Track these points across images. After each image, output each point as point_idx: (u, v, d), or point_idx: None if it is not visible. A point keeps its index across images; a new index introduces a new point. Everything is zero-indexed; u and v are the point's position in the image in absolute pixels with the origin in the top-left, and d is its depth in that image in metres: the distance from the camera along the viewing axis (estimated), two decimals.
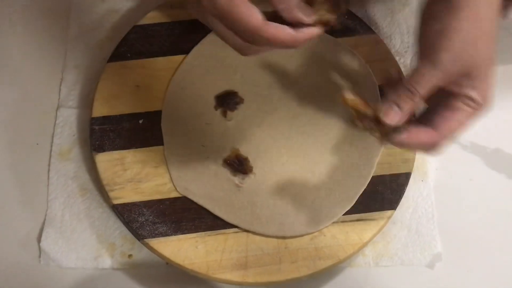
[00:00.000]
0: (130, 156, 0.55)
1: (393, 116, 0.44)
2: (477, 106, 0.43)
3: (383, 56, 0.59)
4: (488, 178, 0.58)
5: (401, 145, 0.45)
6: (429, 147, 0.44)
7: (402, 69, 0.59)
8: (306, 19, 0.41)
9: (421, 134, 0.44)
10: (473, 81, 0.43)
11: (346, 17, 0.61)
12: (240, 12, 0.39)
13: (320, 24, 0.42)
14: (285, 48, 0.41)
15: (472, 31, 0.43)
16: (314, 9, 0.41)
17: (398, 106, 0.44)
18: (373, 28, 0.61)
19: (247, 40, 0.41)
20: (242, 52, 0.44)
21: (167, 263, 0.53)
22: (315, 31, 0.42)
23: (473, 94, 0.43)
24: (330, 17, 0.42)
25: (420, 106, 0.45)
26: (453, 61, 0.43)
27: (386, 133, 0.45)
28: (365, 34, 0.60)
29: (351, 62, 0.58)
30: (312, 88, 0.58)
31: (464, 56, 0.43)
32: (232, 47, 0.43)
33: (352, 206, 0.53)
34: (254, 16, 0.39)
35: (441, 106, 0.44)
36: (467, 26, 0.42)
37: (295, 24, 0.41)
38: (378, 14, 0.63)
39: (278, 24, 0.40)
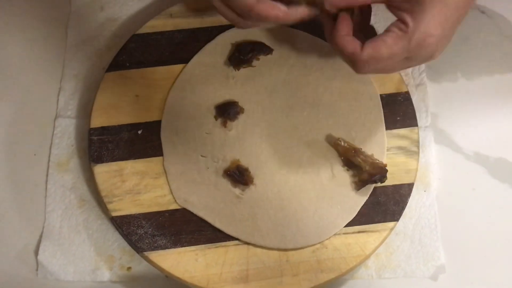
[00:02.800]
0: (129, 167, 0.54)
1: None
2: (406, 29, 0.42)
3: None
4: (491, 187, 0.57)
5: (331, 40, 0.46)
6: (350, 58, 0.45)
7: (404, 77, 0.59)
8: None
9: (350, 41, 0.44)
10: (411, 5, 0.42)
11: None
12: None
13: (308, 4, 0.46)
14: (277, 23, 0.46)
15: None
16: None
17: None
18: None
19: (242, 16, 0.45)
20: (238, 26, 0.48)
21: (166, 276, 0.53)
22: (306, 11, 0.46)
23: (407, 17, 0.43)
24: None
25: (359, 2, 0.45)
26: None
27: (366, 180, 0.52)
28: None
29: (353, 71, 0.58)
30: (313, 97, 0.57)
31: None
32: (229, 20, 0.47)
33: (355, 218, 0.53)
34: None
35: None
36: None
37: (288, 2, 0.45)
38: (379, 22, 0.63)
39: (271, 1, 0.44)
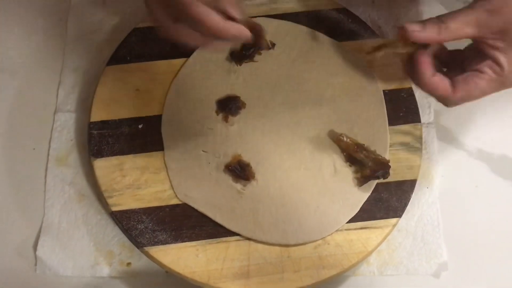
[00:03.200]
0: (129, 162, 0.54)
1: (414, 27, 0.43)
2: (501, 73, 0.42)
3: (387, 60, 0.58)
4: (494, 184, 0.57)
5: (419, 79, 0.44)
6: (441, 99, 0.45)
7: None
8: (235, 13, 0.41)
9: (439, 82, 0.43)
10: (507, 44, 0.42)
11: (350, 20, 0.60)
12: None
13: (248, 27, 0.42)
14: (210, 35, 0.41)
15: None
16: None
17: (423, 24, 0.43)
18: (377, 32, 0.60)
19: (178, 18, 0.40)
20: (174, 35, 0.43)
21: (166, 272, 0.52)
22: (243, 30, 0.41)
23: (501, 58, 0.42)
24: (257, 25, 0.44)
25: (444, 39, 0.43)
26: (492, 11, 0.41)
27: (368, 176, 0.51)
28: (369, 38, 0.59)
29: (355, 66, 0.57)
30: (316, 93, 0.56)
31: (506, 11, 0.41)
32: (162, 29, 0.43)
33: (357, 214, 0.52)
34: None
35: (468, 65, 0.44)
36: None
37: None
38: (382, 18, 0.62)
39: (210, 10, 0.40)
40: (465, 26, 0.42)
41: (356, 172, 0.53)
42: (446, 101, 0.45)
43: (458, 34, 0.43)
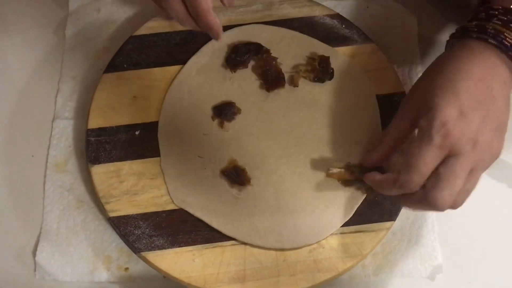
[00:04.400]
0: (126, 168, 0.55)
1: (370, 158, 0.51)
2: (425, 133, 0.43)
3: (381, 65, 0.59)
4: (489, 187, 0.57)
5: (374, 184, 0.49)
6: (390, 186, 0.46)
7: (400, 78, 0.59)
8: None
9: (378, 175, 0.48)
10: (426, 112, 0.44)
11: (343, 26, 0.60)
12: None
13: None
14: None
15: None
16: None
17: (374, 149, 0.51)
18: (370, 37, 0.60)
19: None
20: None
21: (164, 276, 0.53)
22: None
23: (421, 121, 0.44)
24: None
25: (396, 145, 0.50)
26: (415, 95, 0.47)
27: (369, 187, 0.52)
28: (362, 43, 0.60)
29: (349, 71, 0.58)
30: (310, 98, 0.57)
31: (425, 92, 0.46)
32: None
33: (351, 217, 0.53)
34: None
35: None
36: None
37: None
38: (375, 23, 0.63)
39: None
40: (403, 122, 0.49)
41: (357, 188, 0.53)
42: (399, 187, 0.45)
43: (403, 132, 0.49)
